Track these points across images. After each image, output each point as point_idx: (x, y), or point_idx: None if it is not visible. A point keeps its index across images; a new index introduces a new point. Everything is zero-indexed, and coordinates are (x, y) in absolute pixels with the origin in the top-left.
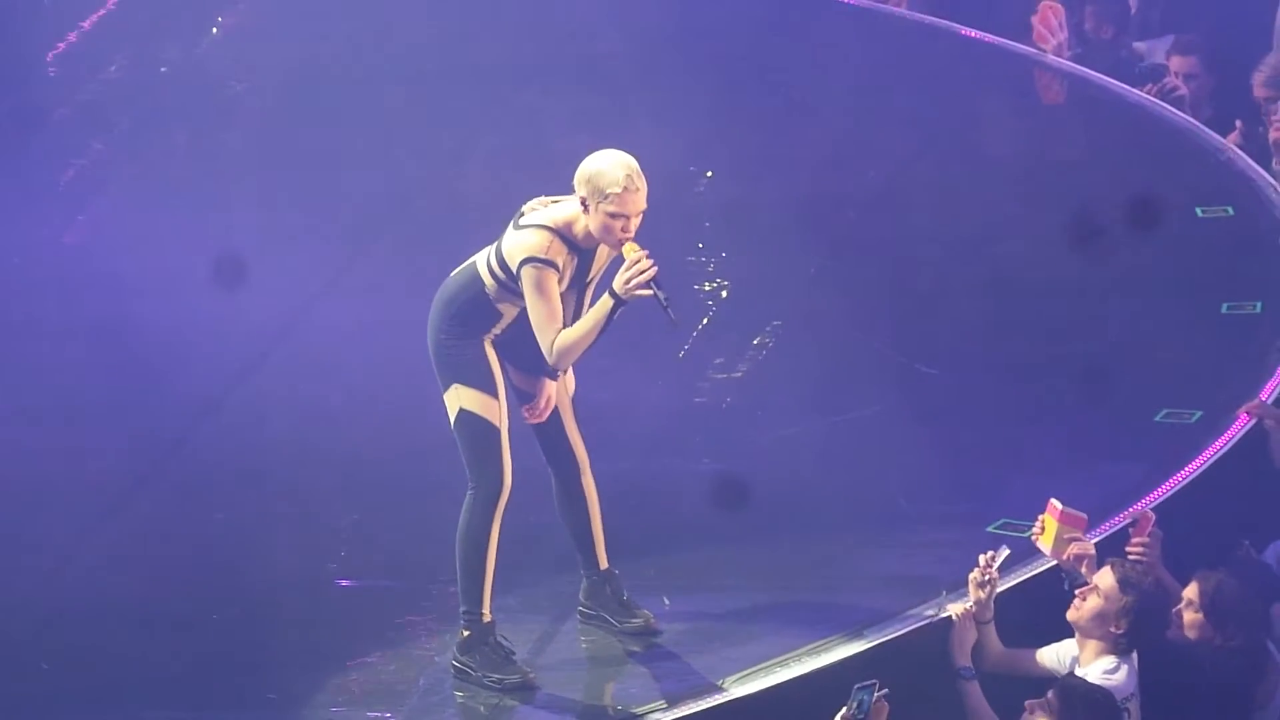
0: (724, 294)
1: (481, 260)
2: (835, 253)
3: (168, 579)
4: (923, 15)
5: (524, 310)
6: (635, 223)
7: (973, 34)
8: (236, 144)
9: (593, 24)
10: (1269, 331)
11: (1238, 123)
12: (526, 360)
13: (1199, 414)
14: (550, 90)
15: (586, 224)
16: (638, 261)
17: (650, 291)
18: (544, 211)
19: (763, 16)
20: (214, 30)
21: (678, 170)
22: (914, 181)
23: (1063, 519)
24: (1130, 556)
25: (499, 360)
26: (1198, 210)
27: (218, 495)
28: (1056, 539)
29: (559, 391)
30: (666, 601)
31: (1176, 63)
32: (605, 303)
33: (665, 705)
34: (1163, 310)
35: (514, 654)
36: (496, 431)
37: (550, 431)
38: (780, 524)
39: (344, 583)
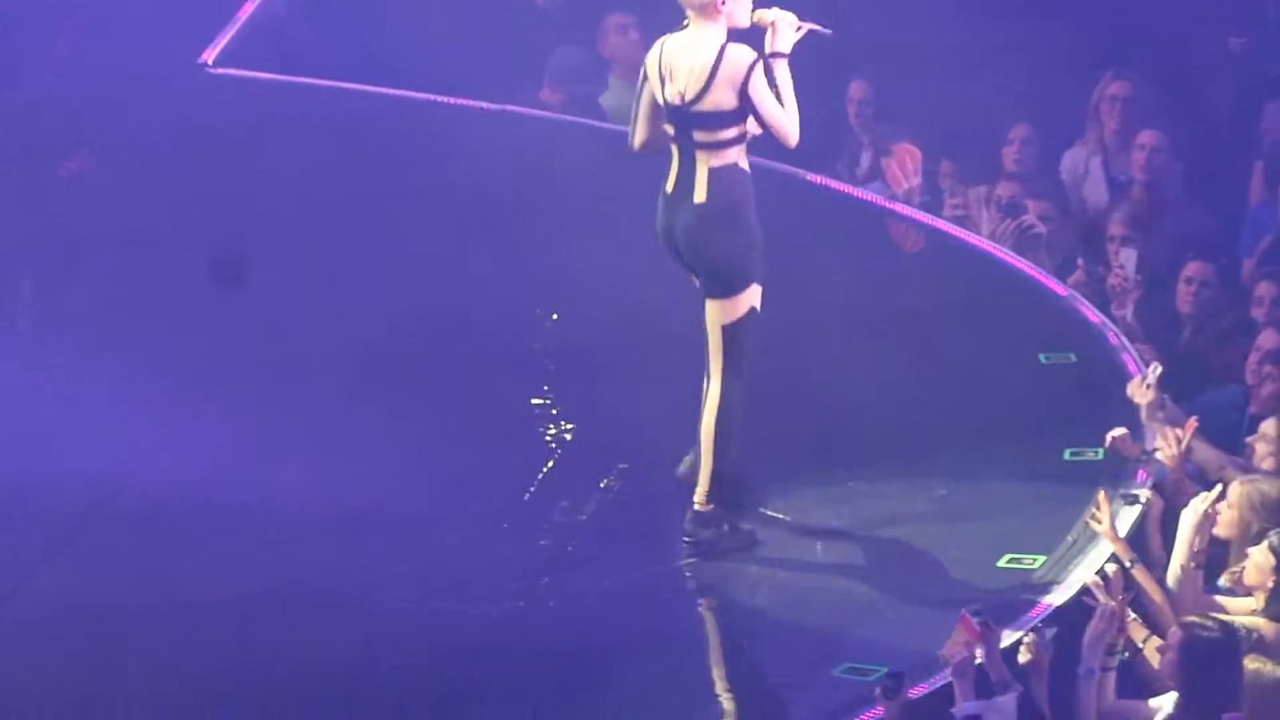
0: (569, 437)
1: (706, 162)
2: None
3: None
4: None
5: None
6: None
7: (818, 180)
8: None
9: None
10: (1110, 480)
11: (1079, 261)
12: None
13: (1042, 559)
14: None
15: (727, 23)
16: (778, 17)
17: (808, 29)
18: (708, 38)
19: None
20: None
21: (524, 312)
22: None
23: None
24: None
25: None
26: (1041, 357)
27: None
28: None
29: None
30: None
31: (1034, 204)
32: (784, 67)
33: None
34: (1005, 457)
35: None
36: None
37: None
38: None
39: None
